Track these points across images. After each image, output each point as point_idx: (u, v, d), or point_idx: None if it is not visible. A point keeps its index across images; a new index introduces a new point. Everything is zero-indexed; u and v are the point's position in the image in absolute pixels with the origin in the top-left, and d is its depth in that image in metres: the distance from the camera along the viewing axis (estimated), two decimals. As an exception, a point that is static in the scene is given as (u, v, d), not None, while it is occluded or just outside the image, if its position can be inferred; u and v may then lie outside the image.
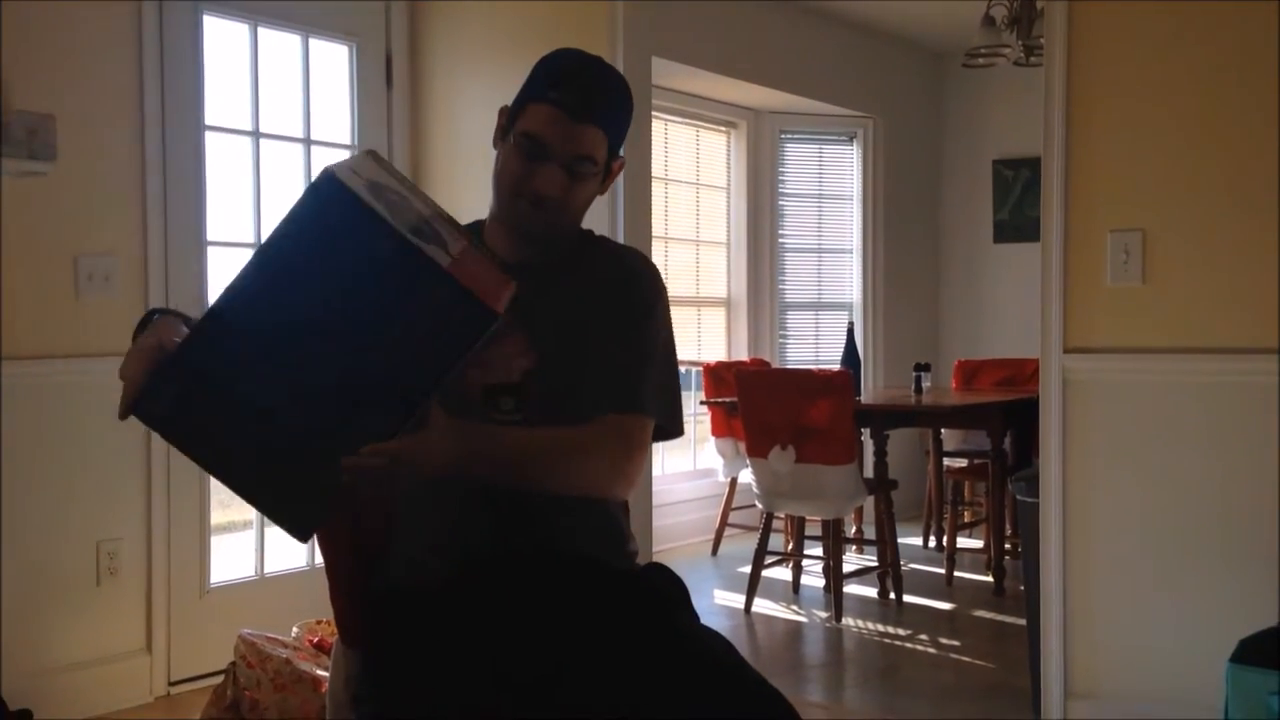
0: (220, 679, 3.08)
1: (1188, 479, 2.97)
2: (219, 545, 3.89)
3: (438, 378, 1.44)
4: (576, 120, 1.70)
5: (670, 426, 1.78)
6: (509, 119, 1.76)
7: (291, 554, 4.12)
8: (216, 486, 3.82)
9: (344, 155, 4.19)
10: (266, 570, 3.94)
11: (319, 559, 3.91)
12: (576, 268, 1.81)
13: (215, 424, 1.45)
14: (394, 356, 1.42)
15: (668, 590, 1.72)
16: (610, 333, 1.74)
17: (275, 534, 4.26)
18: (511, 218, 1.76)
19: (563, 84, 1.71)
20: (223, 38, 3.84)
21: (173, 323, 1.54)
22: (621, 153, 1.79)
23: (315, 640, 3.25)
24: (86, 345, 3.39)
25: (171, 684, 3.57)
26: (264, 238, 4.14)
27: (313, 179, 1.41)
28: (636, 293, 1.79)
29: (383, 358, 1.41)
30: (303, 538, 1.54)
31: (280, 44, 4.04)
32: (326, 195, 1.36)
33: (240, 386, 1.43)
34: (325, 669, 3.02)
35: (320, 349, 1.41)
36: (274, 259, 1.39)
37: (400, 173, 1.52)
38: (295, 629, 3.32)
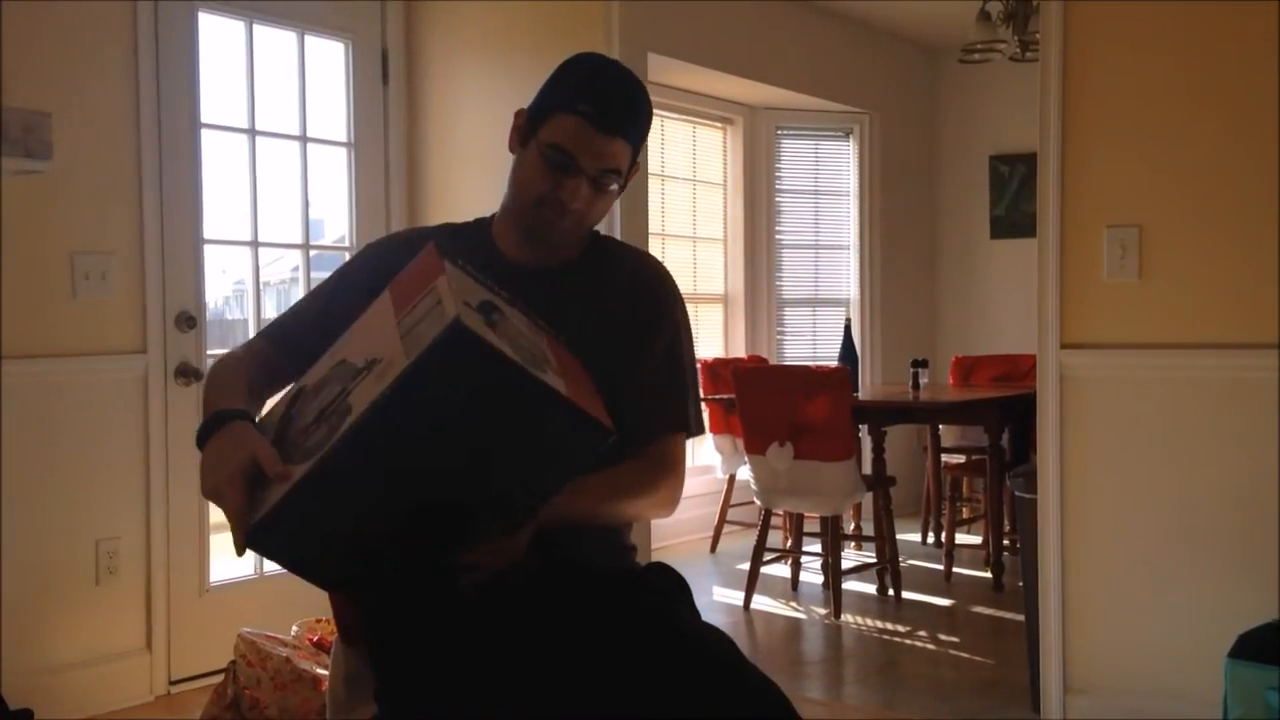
0: (220, 678, 3.08)
1: (1185, 474, 2.98)
2: (218, 544, 3.88)
3: (555, 491, 1.52)
4: (605, 134, 1.69)
5: (699, 432, 1.85)
6: (529, 123, 1.74)
7: (290, 552, 4.11)
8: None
9: (340, 152, 4.19)
10: (266, 569, 3.94)
11: (317, 557, 3.91)
12: (593, 273, 1.82)
13: (335, 550, 1.48)
14: (514, 475, 1.47)
15: (669, 589, 1.73)
16: (646, 350, 1.77)
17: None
18: (531, 225, 1.75)
19: (592, 96, 1.70)
20: (218, 35, 3.84)
21: (247, 429, 1.51)
22: (639, 159, 1.80)
23: (315, 639, 3.25)
24: (84, 344, 3.39)
25: (172, 683, 3.57)
26: (260, 233, 4.08)
27: (441, 314, 1.38)
28: (664, 305, 1.82)
29: (503, 478, 1.47)
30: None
31: (276, 41, 4.03)
32: (459, 346, 1.37)
33: (358, 515, 1.45)
34: (325, 667, 3.02)
35: (441, 472, 1.44)
36: (396, 400, 1.38)
37: (475, 272, 1.54)
38: (295, 627, 3.32)
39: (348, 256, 4.23)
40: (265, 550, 1.48)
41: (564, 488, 1.53)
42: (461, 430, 1.43)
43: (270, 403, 1.70)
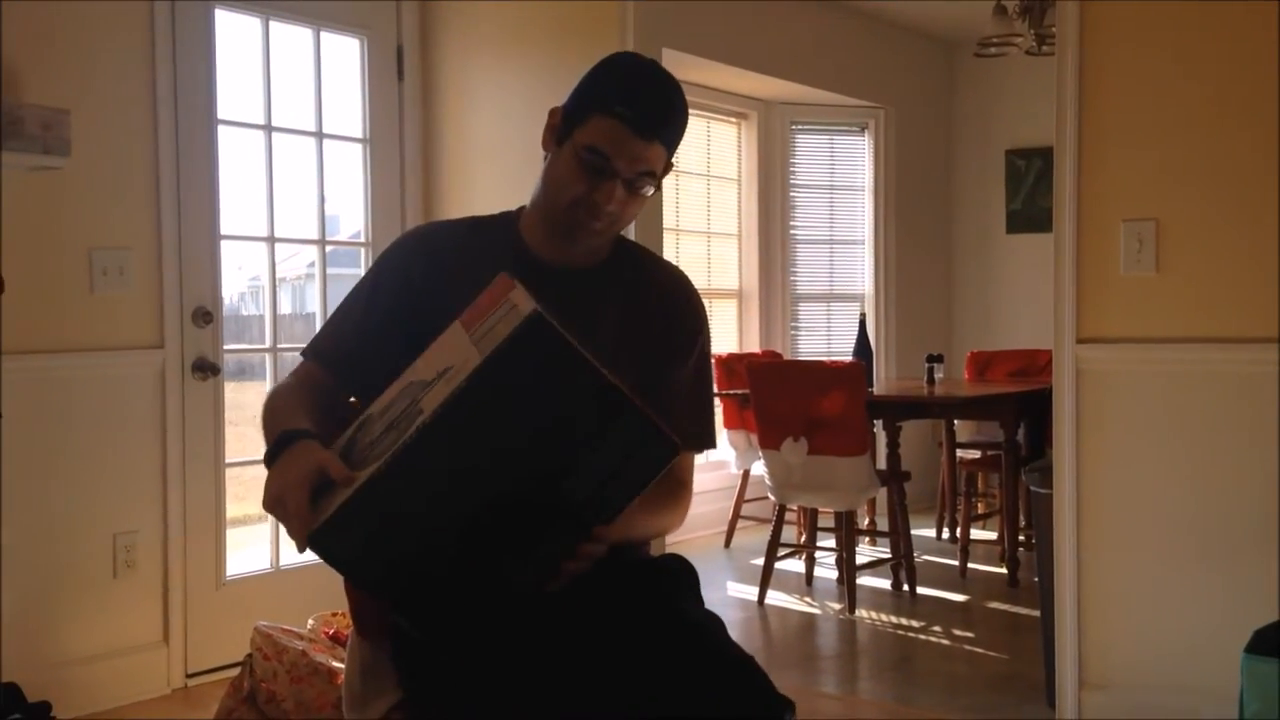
0: (237, 671, 3.10)
1: (1202, 469, 2.96)
2: (235, 538, 3.91)
3: (625, 504, 1.50)
4: (644, 138, 1.67)
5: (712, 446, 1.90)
6: (565, 123, 1.73)
7: (306, 546, 4.13)
8: (232, 479, 3.85)
9: (356, 148, 4.21)
10: (282, 563, 3.96)
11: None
12: (622, 279, 1.82)
13: (401, 560, 1.45)
14: (582, 482, 1.45)
15: (676, 572, 1.77)
16: (677, 370, 1.80)
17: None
18: (566, 225, 1.74)
19: (631, 98, 1.68)
20: (235, 32, 3.85)
21: (313, 445, 1.51)
22: (673, 159, 1.79)
23: (331, 632, 3.27)
24: (101, 339, 3.41)
25: (188, 676, 3.59)
26: (276, 229, 4.09)
27: (517, 313, 1.39)
28: (696, 328, 1.84)
29: (575, 487, 1.45)
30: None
31: (292, 38, 4.05)
32: (537, 337, 1.38)
33: (424, 516, 1.43)
34: (341, 661, 3.04)
35: (511, 477, 1.43)
36: (470, 395, 1.37)
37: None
38: (311, 621, 3.34)
39: (364, 252, 4.26)
40: (327, 550, 1.43)
41: (630, 501, 1.50)
42: (533, 430, 1.41)
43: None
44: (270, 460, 1.54)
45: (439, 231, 1.87)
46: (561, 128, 1.73)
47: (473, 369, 1.37)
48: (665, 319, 1.82)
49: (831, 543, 5.04)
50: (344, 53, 4.19)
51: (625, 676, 1.55)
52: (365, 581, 1.49)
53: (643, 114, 1.67)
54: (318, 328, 4.14)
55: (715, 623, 1.68)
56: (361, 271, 4.21)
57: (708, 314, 1.90)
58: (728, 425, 5.66)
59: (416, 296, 1.75)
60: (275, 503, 1.46)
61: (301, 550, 1.43)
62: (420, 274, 1.77)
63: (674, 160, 1.79)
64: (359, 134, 4.21)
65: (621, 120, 1.66)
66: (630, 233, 3.89)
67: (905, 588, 4.79)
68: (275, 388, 1.79)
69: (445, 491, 1.42)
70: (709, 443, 1.85)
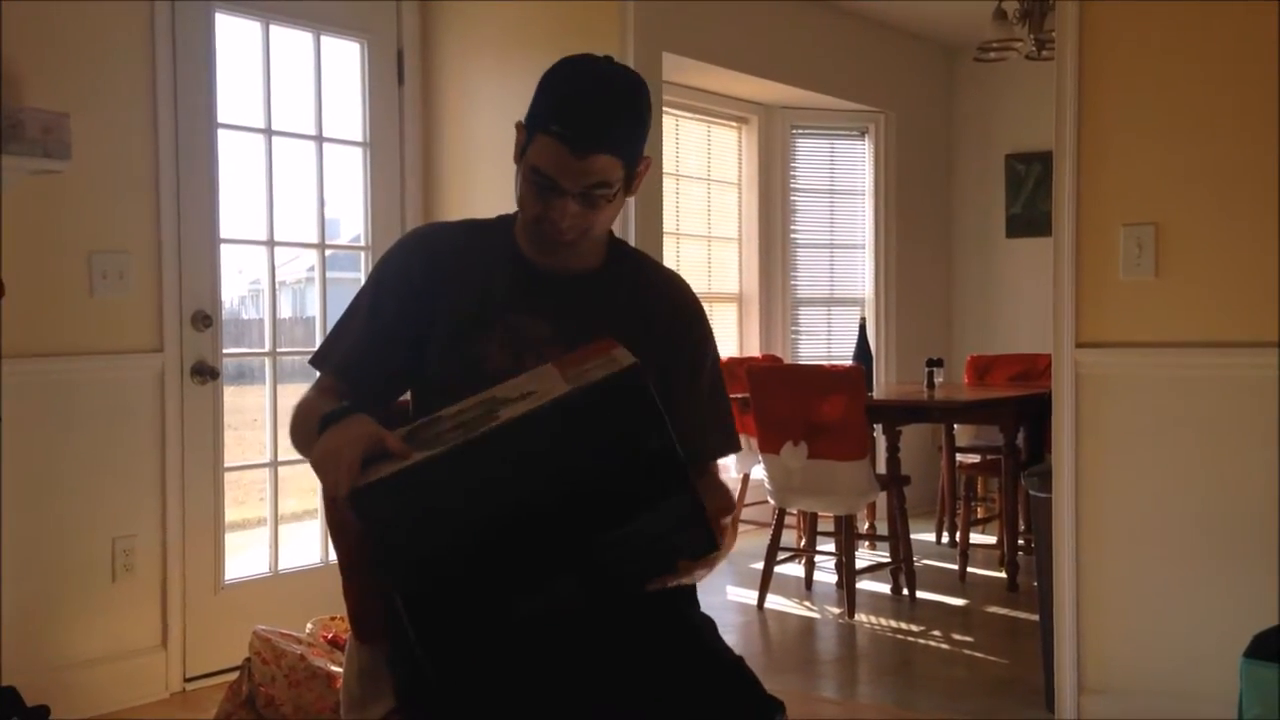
0: (235, 675, 3.09)
1: (1202, 473, 2.96)
2: (234, 542, 3.91)
3: (643, 580, 1.49)
4: (581, 155, 1.63)
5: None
6: (524, 140, 1.71)
7: (305, 551, 4.13)
8: (231, 483, 3.85)
9: (356, 152, 4.21)
10: (281, 567, 3.96)
11: (333, 557, 3.93)
12: (619, 284, 1.81)
13: (425, 545, 1.43)
14: (617, 545, 1.44)
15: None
16: (693, 384, 1.80)
17: (289, 531, 4.28)
18: (536, 240, 1.75)
19: (565, 115, 1.63)
20: (235, 35, 3.85)
21: (371, 420, 1.51)
22: (645, 154, 1.74)
23: (329, 636, 3.27)
24: (101, 342, 3.41)
25: (187, 680, 3.59)
26: (276, 233, 4.09)
27: (615, 362, 1.42)
28: (704, 339, 1.85)
29: (608, 543, 1.44)
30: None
31: (292, 41, 4.05)
32: (630, 387, 1.40)
33: (463, 518, 1.42)
34: (339, 665, 3.03)
35: (555, 509, 1.43)
36: (548, 417, 1.39)
37: None
38: (309, 625, 3.34)
39: (364, 256, 4.26)
40: (367, 507, 1.41)
41: (648, 579, 1.50)
42: (594, 472, 1.42)
43: None
44: (320, 430, 1.52)
45: (438, 233, 1.87)
46: (522, 144, 1.71)
47: (558, 395, 1.39)
48: (669, 326, 1.81)
49: (831, 547, 5.04)
50: (344, 56, 4.19)
51: (618, 678, 1.55)
52: (386, 553, 1.44)
53: (578, 132, 1.63)
54: (318, 331, 4.13)
55: (708, 625, 1.69)
56: (361, 276, 4.23)
57: (707, 316, 1.89)
58: (727, 429, 5.64)
59: (417, 298, 1.75)
60: (328, 455, 1.45)
61: (341, 499, 1.42)
62: (420, 274, 1.77)
63: (646, 156, 1.74)
64: (359, 138, 4.21)
65: (559, 139, 1.63)
66: (630, 236, 3.90)
67: (905, 592, 4.78)
68: (299, 402, 1.78)
69: (489, 498, 1.42)
70: (734, 445, 1.85)
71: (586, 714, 1.54)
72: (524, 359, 1.71)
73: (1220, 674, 2.71)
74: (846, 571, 4.57)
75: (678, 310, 1.84)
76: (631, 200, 4.00)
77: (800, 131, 6.64)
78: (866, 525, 5.60)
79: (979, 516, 5.85)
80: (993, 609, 4.66)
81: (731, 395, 5.89)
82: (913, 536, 4.93)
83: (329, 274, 4.16)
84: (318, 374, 1.82)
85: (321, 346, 1.84)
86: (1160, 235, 3.00)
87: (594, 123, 1.64)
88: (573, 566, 1.45)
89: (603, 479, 1.42)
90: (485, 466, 1.39)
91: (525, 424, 1.38)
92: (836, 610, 4.64)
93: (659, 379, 1.72)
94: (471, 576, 1.44)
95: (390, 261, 1.82)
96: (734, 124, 6.47)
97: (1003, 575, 4.99)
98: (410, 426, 1.52)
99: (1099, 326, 3.08)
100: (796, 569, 5.13)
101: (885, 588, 4.89)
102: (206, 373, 3.66)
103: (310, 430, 1.57)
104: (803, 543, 5.08)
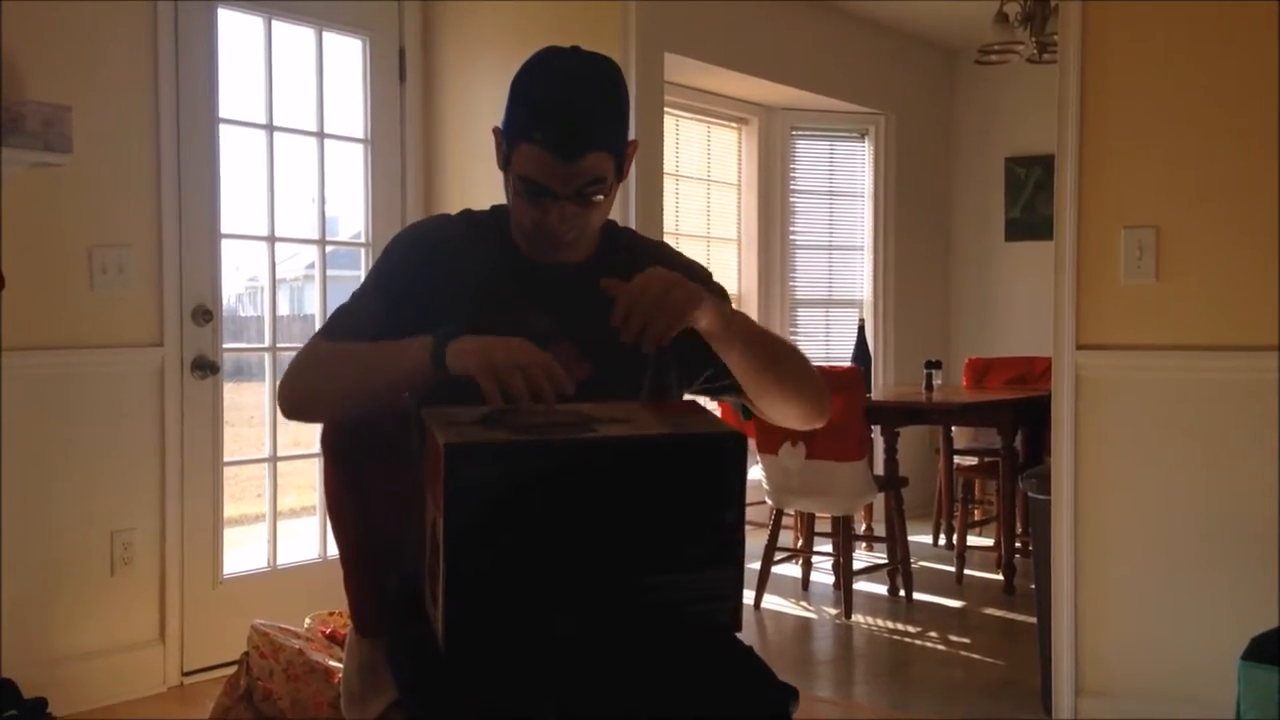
0: (233, 669, 3.09)
1: (1200, 476, 2.97)
2: (232, 537, 3.91)
3: (669, 632, 1.50)
4: (569, 160, 1.60)
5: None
6: (505, 146, 1.67)
7: (304, 546, 4.13)
8: (230, 478, 3.84)
9: (357, 149, 4.21)
10: (279, 562, 3.96)
11: (331, 552, 3.94)
12: (610, 268, 1.74)
13: (495, 518, 1.42)
14: (659, 594, 1.47)
15: None
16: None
17: (288, 527, 4.28)
18: (535, 247, 1.72)
19: (545, 121, 1.60)
20: (237, 31, 3.85)
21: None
22: (631, 137, 1.72)
23: (328, 631, 3.27)
24: (101, 336, 3.41)
25: (184, 674, 3.59)
26: (275, 228, 4.08)
27: (722, 424, 1.49)
28: (689, 270, 1.77)
29: (649, 590, 1.47)
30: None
31: (294, 38, 4.05)
32: (732, 451, 1.45)
33: (537, 508, 1.43)
34: (337, 660, 3.03)
35: (613, 541, 1.45)
36: (654, 449, 1.44)
37: None
38: (308, 620, 3.34)
39: (364, 253, 4.26)
40: (462, 462, 1.39)
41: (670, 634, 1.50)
42: (667, 519, 1.45)
43: None
44: (440, 354, 1.52)
45: (436, 226, 1.86)
46: (504, 152, 1.68)
47: (665, 431, 1.45)
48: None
49: (828, 548, 5.04)
50: (346, 53, 4.19)
51: (629, 669, 1.55)
52: (456, 516, 1.41)
53: (563, 135, 1.59)
54: (317, 328, 4.11)
55: None
56: (361, 273, 4.23)
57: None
58: (726, 429, 5.64)
59: (421, 287, 1.73)
60: (515, 367, 1.47)
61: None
62: (421, 265, 1.76)
63: (632, 140, 1.71)
64: (360, 134, 4.21)
65: (544, 147, 1.60)
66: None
67: (902, 593, 4.79)
68: (306, 353, 1.70)
69: (569, 502, 1.43)
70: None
71: (598, 701, 1.54)
72: None
73: (1218, 677, 2.72)
74: (844, 572, 4.58)
75: (671, 263, 1.77)
76: (632, 200, 4.04)
77: (800, 133, 6.64)
78: (864, 526, 5.60)
79: (976, 519, 5.86)
80: (989, 611, 4.67)
81: (730, 397, 5.85)
82: (910, 538, 4.93)
83: (330, 272, 4.17)
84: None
85: (328, 322, 1.77)
86: (1161, 238, 3.00)
87: (577, 125, 1.61)
88: (613, 595, 1.47)
89: (669, 526, 1.45)
90: (573, 469, 1.41)
91: (630, 446, 1.42)
92: (833, 611, 4.64)
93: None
94: (523, 567, 1.45)
95: (393, 252, 1.81)
96: (734, 125, 6.47)
97: (999, 577, 4.99)
98: (487, 411, 1.51)
99: (1099, 329, 3.08)
100: (793, 569, 5.13)
101: (882, 589, 4.89)
102: (206, 368, 3.66)
103: (385, 361, 1.56)
104: (800, 543, 5.08)
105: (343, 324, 1.75)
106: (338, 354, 1.67)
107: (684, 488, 1.45)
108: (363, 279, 1.84)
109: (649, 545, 1.46)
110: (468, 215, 1.86)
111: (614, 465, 1.43)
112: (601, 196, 1.68)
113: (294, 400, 1.69)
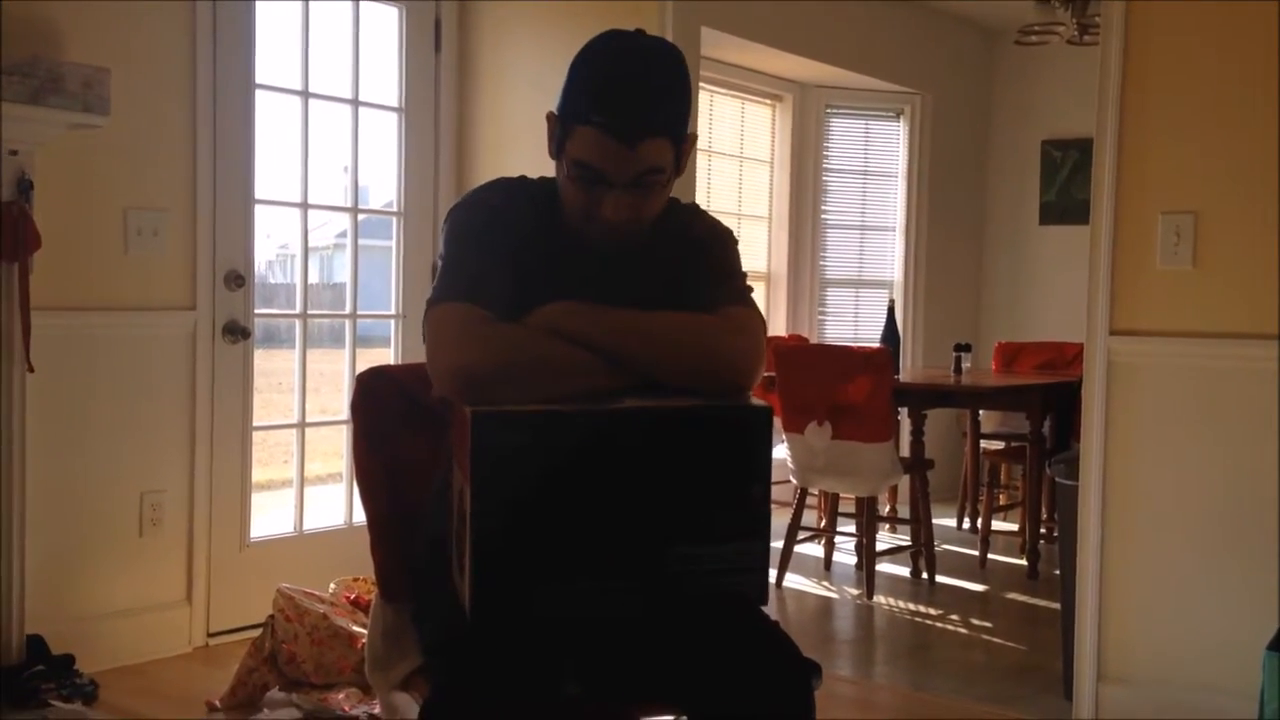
0: (258, 632, 3.13)
1: (1230, 466, 2.94)
2: (260, 502, 3.94)
3: (695, 601, 1.52)
4: (631, 145, 1.55)
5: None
6: (559, 132, 1.62)
7: (330, 512, 4.17)
8: (258, 442, 3.87)
9: (391, 118, 4.21)
10: (306, 527, 3.99)
11: (358, 518, 3.97)
12: (660, 251, 1.72)
13: (520, 485, 1.43)
14: (685, 564, 1.48)
15: None
16: (714, 279, 1.71)
17: (314, 493, 4.32)
18: (588, 236, 1.66)
19: (607, 102, 1.54)
20: (274, -3, 3.86)
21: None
22: (690, 130, 1.67)
23: (352, 597, 3.30)
24: (134, 299, 3.44)
25: (210, 635, 3.63)
26: (308, 195, 4.08)
27: (747, 397, 1.52)
28: (717, 248, 1.76)
29: (676, 561, 1.47)
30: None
31: (331, 5, 4.05)
32: (757, 423, 1.47)
33: (561, 477, 1.44)
34: (361, 625, 3.06)
35: (638, 511, 1.46)
36: (672, 419, 1.44)
37: None
38: (333, 585, 3.37)
39: (396, 222, 4.26)
40: (491, 427, 1.40)
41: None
42: (693, 491, 1.46)
43: None
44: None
45: (497, 195, 1.74)
46: (557, 138, 1.63)
47: (690, 404, 1.46)
48: (687, 258, 1.73)
49: (852, 528, 5.04)
50: (382, 21, 4.19)
51: (653, 638, 1.55)
52: (483, 485, 1.41)
53: (625, 120, 1.54)
54: (347, 296, 4.09)
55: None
56: (393, 243, 4.24)
57: (735, 245, 1.79)
58: (752, 407, 5.63)
59: (501, 238, 1.67)
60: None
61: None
62: (482, 226, 1.68)
63: (691, 132, 1.66)
64: (394, 103, 4.21)
65: (603, 130, 1.54)
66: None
67: (924, 576, 4.78)
68: (447, 309, 1.58)
69: (592, 471, 1.44)
70: (743, 296, 1.72)
71: (621, 670, 1.55)
72: None
73: (1242, 667, 2.70)
74: (867, 553, 4.57)
75: (691, 242, 1.76)
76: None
77: (835, 111, 6.60)
78: (888, 508, 5.59)
79: (1001, 503, 5.83)
80: (1012, 595, 4.65)
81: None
82: (934, 521, 4.92)
83: (361, 241, 4.17)
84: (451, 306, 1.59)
85: (437, 289, 1.63)
86: (1199, 224, 2.97)
87: (640, 107, 1.56)
88: (640, 566, 1.47)
89: (696, 498, 1.46)
90: (601, 440, 1.43)
91: (651, 417, 1.43)
92: (855, 591, 4.64)
93: (689, 274, 1.69)
94: (550, 537, 1.46)
95: (465, 211, 1.71)
96: (768, 101, 6.43)
97: (1023, 562, 4.98)
98: None
99: (1133, 314, 3.05)
100: (816, 549, 5.13)
101: (905, 571, 4.89)
102: (238, 332, 3.68)
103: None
104: (823, 523, 5.08)
105: (456, 282, 1.61)
106: (537, 345, 1.54)
107: (710, 460, 1.46)
108: (442, 251, 1.70)
109: (675, 516, 1.47)
110: (525, 185, 1.77)
111: (641, 436, 1.44)
112: (660, 185, 1.63)
113: (483, 379, 1.49)
